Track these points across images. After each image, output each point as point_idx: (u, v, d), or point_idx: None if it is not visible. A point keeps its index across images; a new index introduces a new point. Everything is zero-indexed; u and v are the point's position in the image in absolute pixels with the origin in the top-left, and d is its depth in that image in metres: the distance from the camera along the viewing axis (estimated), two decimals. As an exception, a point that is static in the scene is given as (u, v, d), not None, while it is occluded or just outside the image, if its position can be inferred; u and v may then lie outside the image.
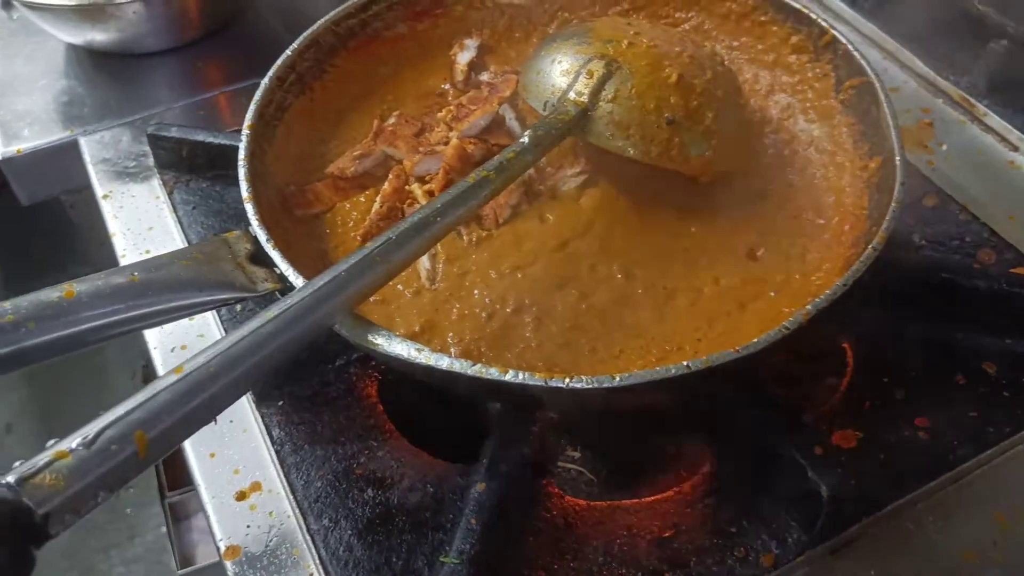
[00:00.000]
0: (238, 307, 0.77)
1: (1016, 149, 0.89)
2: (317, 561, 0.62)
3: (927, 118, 0.93)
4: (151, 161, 0.91)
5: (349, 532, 0.63)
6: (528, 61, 0.76)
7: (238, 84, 1.02)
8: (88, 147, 0.94)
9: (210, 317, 0.78)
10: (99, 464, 0.46)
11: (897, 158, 0.66)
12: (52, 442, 0.48)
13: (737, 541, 0.62)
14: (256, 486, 0.67)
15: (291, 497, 0.66)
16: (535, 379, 0.54)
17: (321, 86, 0.80)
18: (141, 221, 0.86)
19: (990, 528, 0.64)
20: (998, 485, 0.66)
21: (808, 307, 0.56)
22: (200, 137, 0.85)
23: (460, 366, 0.54)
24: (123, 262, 0.83)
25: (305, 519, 0.64)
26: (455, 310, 0.67)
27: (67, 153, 0.95)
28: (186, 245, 0.83)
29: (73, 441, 0.46)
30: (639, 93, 0.68)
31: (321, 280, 0.55)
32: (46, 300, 0.55)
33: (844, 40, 0.75)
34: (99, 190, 0.89)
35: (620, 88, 0.68)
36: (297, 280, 0.59)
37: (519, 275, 0.68)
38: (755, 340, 0.55)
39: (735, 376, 0.60)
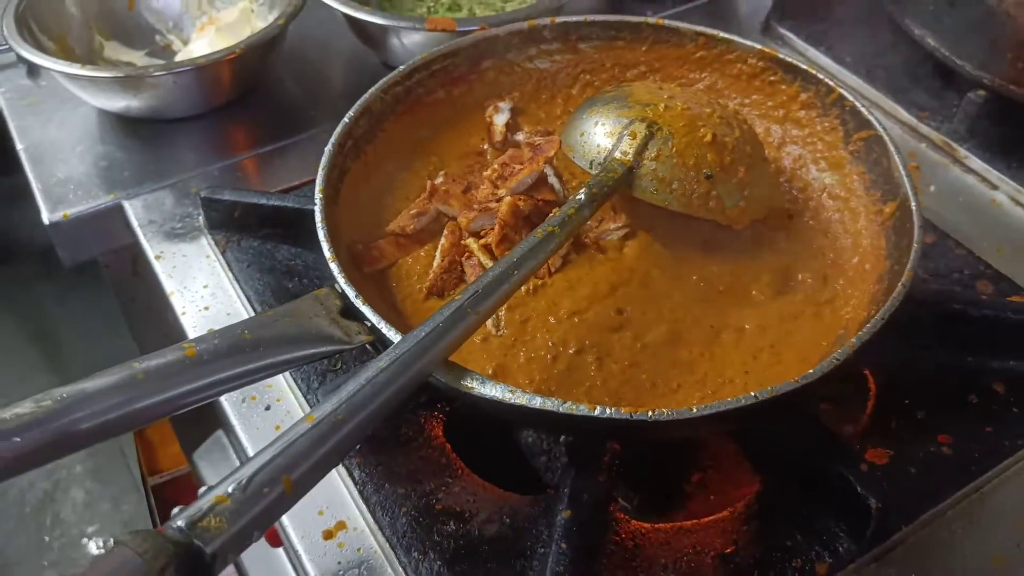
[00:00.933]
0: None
1: (996, 188, 0.98)
2: (410, 591, 0.67)
3: (913, 162, 1.02)
4: (197, 222, 0.96)
5: (439, 563, 0.68)
6: (570, 123, 0.83)
7: (267, 147, 1.07)
8: (133, 209, 0.98)
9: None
10: (254, 505, 0.51)
11: (912, 203, 0.73)
12: (204, 488, 0.52)
13: (793, 553, 0.68)
14: (341, 525, 0.72)
15: (378, 533, 0.70)
16: (621, 414, 0.60)
17: (373, 150, 0.85)
18: (196, 279, 0.90)
19: (1014, 532, 0.71)
20: (1016, 492, 0.73)
21: (854, 340, 0.63)
22: (253, 199, 0.90)
23: (552, 404, 0.60)
24: (183, 318, 0.87)
25: (395, 552, 0.69)
26: (521, 354, 0.73)
27: (111, 216, 0.99)
28: (243, 298, 0.88)
29: (229, 486, 0.51)
30: (679, 152, 0.76)
31: (423, 331, 0.61)
32: (170, 360, 0.59)
33: (851, 98, 0.83)
34: (150, 251, 0.93)
35: (662, 148, 0.76)
36: (389, 332, 0.65)
37: (576, 319, 0.74)
38: (811, 371, 0.61)
39: (792, 404, 0.66)
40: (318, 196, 0.75)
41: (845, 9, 1.15)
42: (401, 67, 0.88)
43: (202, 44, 1.14)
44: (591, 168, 0.78)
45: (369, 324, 0.67)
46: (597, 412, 0.60)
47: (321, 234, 0.72)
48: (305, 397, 0.79)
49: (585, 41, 0.95)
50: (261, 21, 1.14)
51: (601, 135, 0.79)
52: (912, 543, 0.70)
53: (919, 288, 0.84)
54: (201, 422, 1.15)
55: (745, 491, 0.74)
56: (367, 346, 0.68)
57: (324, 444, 0.55)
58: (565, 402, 0.60)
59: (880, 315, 0.65)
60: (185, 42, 1.19)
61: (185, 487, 1.74)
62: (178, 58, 1.16)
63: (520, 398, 0.61)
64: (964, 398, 0.78)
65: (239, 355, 0.62)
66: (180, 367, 0.60)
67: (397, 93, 0.88)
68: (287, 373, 0.81)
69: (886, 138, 0.79)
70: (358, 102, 0.84)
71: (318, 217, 0.74)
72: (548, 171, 0.84)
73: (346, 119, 0.82)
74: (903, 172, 0.76)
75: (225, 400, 0.80)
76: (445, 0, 1.19)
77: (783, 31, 1.18)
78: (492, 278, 0.64)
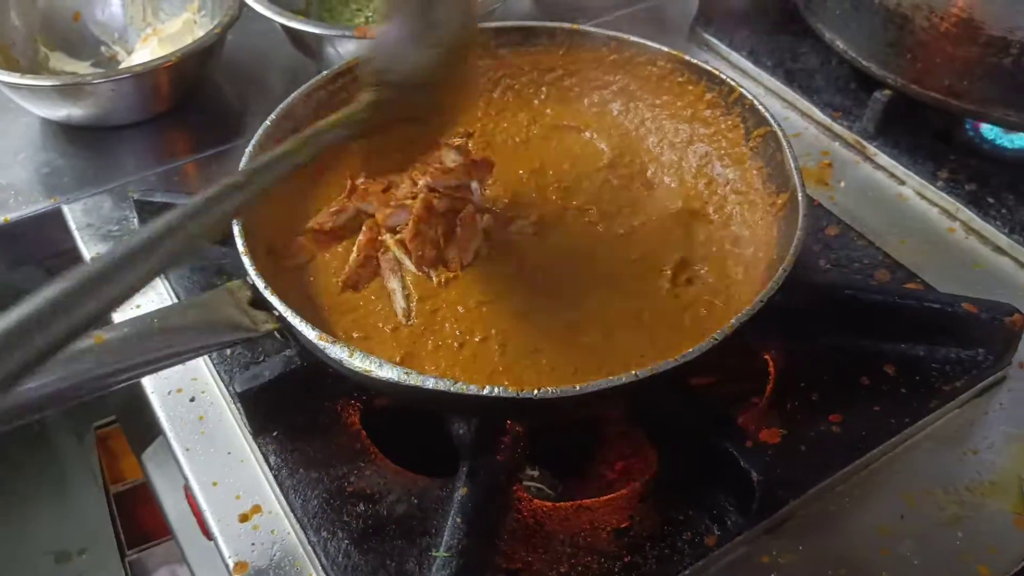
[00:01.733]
0: (227, 351, 0.85)
1: (903, 183, 1.03)
2: (319, 568, 0.70)
3: (827, 159, 1.06)
4: (133, 224, 0.99)
5: (346, 542, 0.71)
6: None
7: (205, 152, 1.11)
8: (72, 214, 1.01)
9: (203, 367, 0.85)
10: None
11: (800, 194, 0.77)
12: None
13: (684, 527, 0.72)
14: (257, 508, 0.75)
15: (291, 515, 0.74)
16: (508, 392, 0.63)
17: None
18: (129, 279, 0.93)
19: (898, 505, 0.75)
20: (903, 468, 0.77)
21: (733, 320, 0.67)
22: (182, 201, 0.93)
23: (444, 385, 0.63)
24: (115, 316, 0.90)
25: (305, 533, 0.72)
26: (430, 342, 0.76)
27: (51, 220, 1.02)
28: (173, 296, 0.91)
29: None
30: None
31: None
32: (79, 347, 0.63)
33: (750, 96, 0.87)
34: (86, 253, 0.97)
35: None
36: (294, 319, 0.68)
37: (484, 309, 0.78)
38: (691, 350, 0.65)
39: (676, 382, 0.70)
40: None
41: (765, 16, 1.20)
42: (325, 72, 0.92)
43: (144, 54, 1.17)
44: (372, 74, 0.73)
45: (276, 313, 0.70)
46: (486, 391, 0.63)
47: (236, 229, 0.75)
48: (227, 388, 0.82)
49: (505, 47, 0.98)
50: (203, 31, 1.17)
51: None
52: (802, 516, 0.74)
53: (817, 276, 0.89)
54: (152, 425, 1.18)
55: (648, 470, 0.78)
56: (276, 334, 0.72)
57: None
58: (456, 382, 0.63)
59: (760, 297, 0.68)
60: (130, 52, 1.22)
61: (147, 494, 1.76)
62: (121, 68, 1.19)
63: (415, 379, 0.64)
64: (857, 380, 0.81)
65: (148, 343, 0.65)
66: (88, 354, 0.63)
67: (320, 97, 0.91)
68: (211, 365, 0.84)
69: (779, 133, 0.83)
70: (281, 104, 0.87)
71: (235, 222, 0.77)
72: (475, 185, 0.88)
73: (268, 121, 0.85)
74: (793, 165, 0.80)
75: (152, 393, 0.84)
76: (382, 10, 1.23)
77: (708, 37, 1.23)
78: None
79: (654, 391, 0.69)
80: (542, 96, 0.99)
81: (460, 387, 0.63)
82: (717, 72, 0.90)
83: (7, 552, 2.15)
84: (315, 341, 0.67)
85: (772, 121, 0.84)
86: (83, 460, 2.24)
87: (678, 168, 0.92)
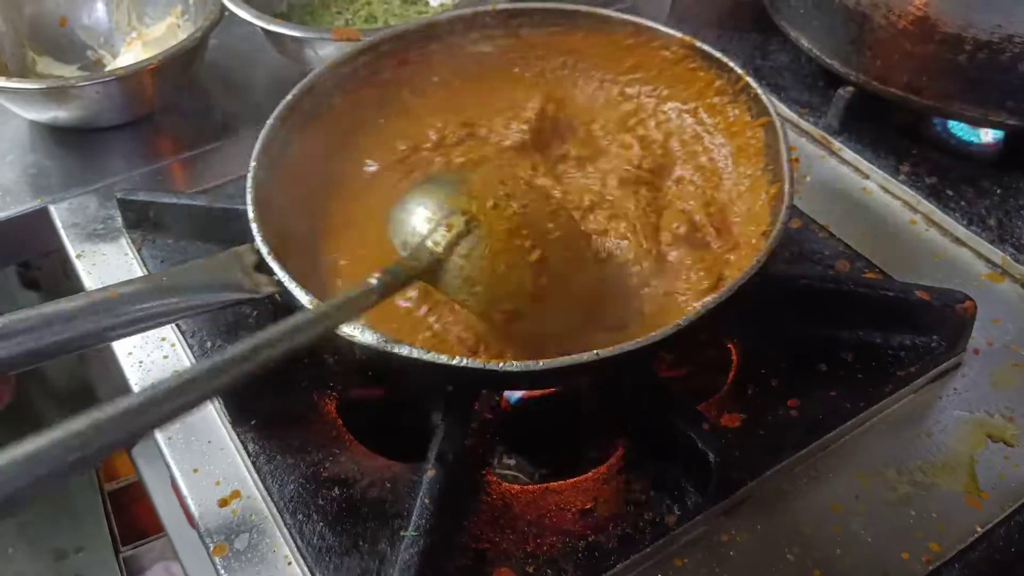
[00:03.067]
0: (208, 344, 0.88)
1: (867, 177, 1.06)
2: (295, 549, 0.73)
3: (794, 155, 1.09)
4: (117, 223, 1.02)
5: (321, 524, 0.74)
6: (399, 200, 0.79)
7: (189, 152, 1.14)
8: (58, 213, 1.04)
9: (186, 359, 0.88)
10: None
11: (786, 186, 0.79)
12: None
13: (646, 507, 0.75)
14: (236, 493, 0.78)
15: (268, 500, 0.76)
16: (475, 363, 0.66)
17: (316, 125, 0.92)
18: (113, 276, 0.96)
19: (853, 485, 0.78)
20: (857, 450, 0.80)
21: (699, 306, 0.68)
22: (165, 199, 0.97)
23: (417, 353, 0.66)
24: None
25: (282, 516, 0.75)
26: (427, 324, 0.79)
27: (38, 220, 1.05)
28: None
29: None
30: (491, 255, 0.72)
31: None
32: (97, 299, 0.68)
33: (754, 85, 0.89)
34: (72, 251, 1.00)
35: (475, 247, 0.72)
36: (290, 282, 0.71)
37: None
38: (653, 333, 0.67)
39: (640, 365, 0.72)
40: (252, 163, 0.82)
41: (735, 14, 1.23)
42: (348, 49, 0.96)
43: (129, 58, 1.20)
44: (403, 249, 0.74)
45: (275, 277, 0.74)
46: (455, 362, 0.66)
47: (249, 196, 0.78)
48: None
49: (526, 27, 1.01)
50: (186, 35, 1.20)
51: (420, 218, 0.75)
52: (759, 496, 0.77)
53: (778, 267, 0.91)
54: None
55: (613, 455, 0.81)
56: (276, 297, 0.77)
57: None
58: (428, 352, 0.66)
59: (728, 289, 0.70)
60: (115, 56, 1.25)
61: (141, 492, 1.79)
62: (105, 71, 1.22)
63: (391, 347, 0.67)
64: (815, 367, 0.84)
65: (158, 297, 0.71)
66: (106, 305, 0.68)
67: (344, 72, 0.95)
68: (194, 359, 0.87)
69: (777, 123, 0.85)
70: (304, 80, 0.91)
71: (249, 182, 0.80)
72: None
73: (290, 95, 0.89)
74: (784, 158, 0.82)
75: (135, 385, 0.86)
76: (362, 13, 1.26)
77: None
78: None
79: (618, 372, 0.71)
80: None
81: (431, 356, 0.66)
82: (726, 60, 0.91)
83: (5, 551, 2.17)
84: (307, 305, 0.70)
85: (772, 111, 0.85)
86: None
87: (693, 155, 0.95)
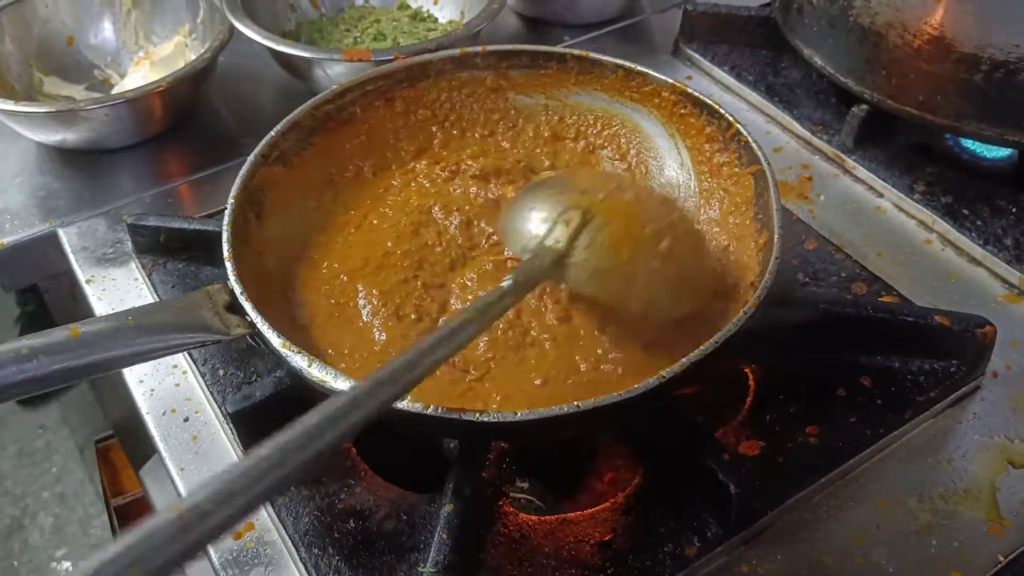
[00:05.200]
0: (220, 372, 0.87)
1: (881, 196, 1.05)
2: (311, 584, 0.73)
3: (807, 173, 1.09)
4: (127, 247, 1.01)
5: (337, 557, 0.73)
6: (508, 209, 0.83)
7: (199, 174, 1.13)
8: (67, 237, 1.04)
9: (197, 387, 0.88)
10: None
11: (776, 236, 0.77)
12: None
13: (666, 538, 0.74)
14: (250, 526, 0.77)
15: (283, 532, 0.76)
16: (449, 413, 0.65)
17: (301, 162, 0.92)
18: (124, 301, 0.95)
19: (873, 514, 0.77)
20: (877, 477, 0.79)
21: (684, 360, 0.66)
22: (176, 224, 0.96)
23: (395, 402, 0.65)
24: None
25: (297, 550, 0.74)
26: None
27: (47, 243, 1.04)
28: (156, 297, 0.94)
29: None
30: (613, 243, 0.74)
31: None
32: (55, 339, 0.66)
33: (745, 133, 0.87)
34: (81, 276, 0.99)
35: (595, 237, 0.74)
36: (263, 325, 0.71)
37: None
38: (633, 387, 0.65)
39: (653, 401, 0.71)
40: (230, 201, 0.81)
41: (747, 32, 1.22)
42: (334, 87, 0.95)
43: (137, 78, 1.20)
44: (523, 255, 0.76)
45: (248, 319, 0.73)
46: (430, 411, 0.65)
47: (225, 234, 0.78)
48: (220, 408, 0.84)
49: (516, 69, 1.00)
50: (194, 55, 1.20)
51: (535, 221, 0.77)
52: (780, 526, 0.76)
53: (795, 291, 0.91)
54: (148, 443, 1.20)
55: (631, 485, 0.80)
56: (249, 339, 0.75)
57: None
58: (406, 399, 0.65)
59: (713, 340, 0.68)
60: (123, 76, 1.24)
61: (147, 507, 1.78)
62: (114, 92, 1.21)
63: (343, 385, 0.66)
64: (834, 392, 0.83)
65: (121, 339, 0.68)
66: (64, 346, 0.66)
67: (328, 111, 0.94)
68: (204, 386, 0.86)
69: (767, 171, 0.83)
70: (287, 117, 0.90)
71: (226, 219, 0.79)
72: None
73: (273, 131, 0.89)
74: (775, 205, 0.80)
75: (147, 414, 0.86)
76: (371, 31, 1.26)
77: (691, 52, 1.25)
78: (400, 364, 0.60)
79: (625, 412, 0.70)
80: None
81: (406, 405, 0.65)
82: (717, 107, 0.90)
83: (14, 568, 2.17)
84: (279, 348, 0.69)
85: (762, 159, 0.84)
86: (85, 474, 2.27)
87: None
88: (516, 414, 0.65)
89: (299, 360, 0.69)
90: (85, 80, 1.24)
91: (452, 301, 0.83)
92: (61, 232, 1.04)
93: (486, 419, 0.65)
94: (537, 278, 0.72)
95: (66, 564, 2.21)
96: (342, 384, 0.67)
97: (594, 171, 0.96)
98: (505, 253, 0.84)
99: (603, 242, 0.74)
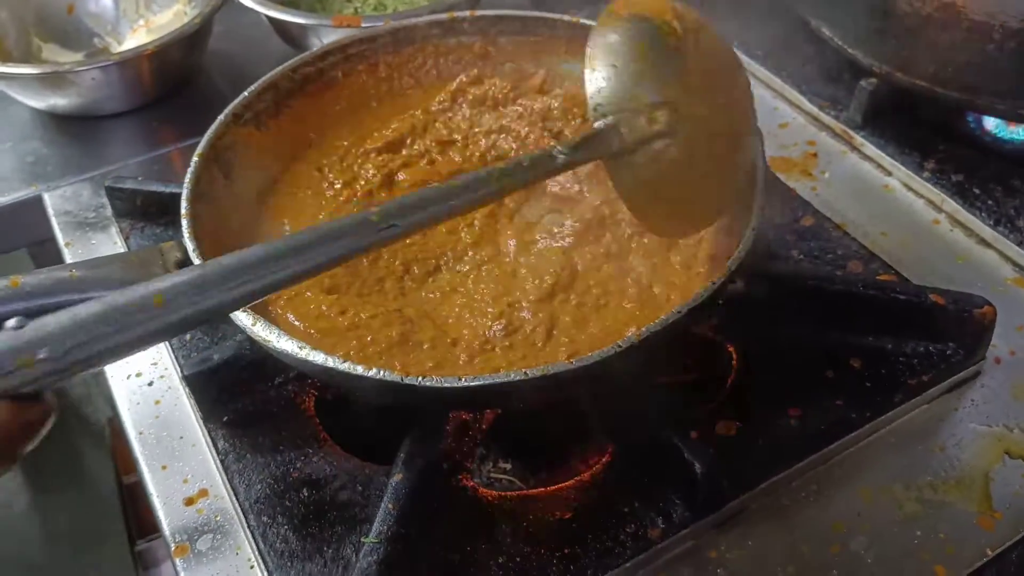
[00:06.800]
0: (188, 336, 0.85)
1: (889, 174, 1.00)
2: (256, 554, 0.70)
3: (812, 149, 1.04)
4: (109, 212, 1.00)
5: (286, 527, 0.71)
6: (610, 22, 0.70)
7: (189, 141, 1.11)
8: (51, 201, 1.02)
9: (164, 351, 0.86)
10: None
11: (756, 205, 0.73)
12: None
13: (629, 519, 0.70)
14: (203, 492, 0.75)
15: (234, 499, 0.73)
16: (392, 376, 0.62)
17: (277, 125, 0.90)
18: (99, 265, 0.94)
19: (856, 502, 0.72)
20: (862, 464, 0.75)
21: (644, 330, 0.63)
22: (152, 187, 0.94)
23: (332, 362, 0.62)
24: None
25: (246, 517, 0.72)
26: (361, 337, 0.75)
27: (32, 208, 1.03)
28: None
29: None
30: (678, 167, 0.68)
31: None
32: None
33: None
34: (62, 239, 0.98)
35: (667, 151, 0.67)
36: None
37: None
38: (585, 356, 0.62)
39: (576, 384, 0.67)
40: (195, 159, 0.79)
41: (755, 4, 1.17)
42: (314, 48, 0.93)
43: (133, 45, 1.18)
44: (591, 104, 0.67)
45: None
46: (371, 373, 0.62)
47: (185, 191, 0.76)
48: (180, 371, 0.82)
49: (505, 35, 0.97)
50: (193, 23, 1.18)
51: (630, 84, 0.67)
52: (754, 511, 0.72)
53: (782, 266, 0.86)
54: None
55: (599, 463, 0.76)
56: None
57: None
58: (344, 361, 0.63)
59: (677, 308, 0.64)
60: (121, 44, 1.23)
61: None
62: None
63: (306, 354, 0.63)
64: (821, 373, 0.79)
65: (61, 292, 0.65)
66: (3, 297, 0.63)
67: (308, 73, 0.92)
68: (170, 350, 0.84)
69: (756, 140, 0.79)
70: (265, 76, 0.89)
71: (188, 176, 0.77)
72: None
73: (246, 92, 0.87)
74: (760, 174, 0.75)
75: (111, 377, 0.84)
76: (372, 1, 1.23)
77: (699, 26, 1.20)
78: (418, 197, 0.61)
79: (581, 382, 0.66)
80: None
81: (346, 367, 0.62)
82: None
83: (28, 540, 2.18)
84: None
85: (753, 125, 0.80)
86: (99, 451, 2.28)
87: None
88: (460, 379, 0.61)
89: (244, 319, 0.66)
90: (84, 48, 1.23)
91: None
92: (46, 196, 1.03)
93: (429, 384, 0.61)
94: (590, 157, 0.66)
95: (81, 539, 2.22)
96: (286, 344, 0.64)
97: (717, 56, 0.77)
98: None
99: (671, 161, 0.67)
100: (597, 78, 0.67)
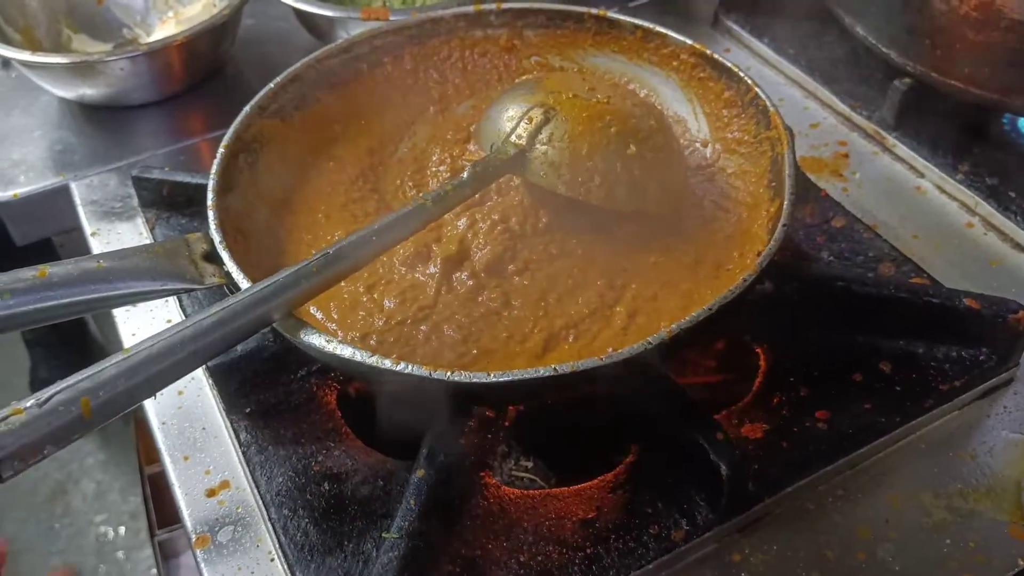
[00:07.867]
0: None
1: (922, 175, 0.98)
2: (277, 546, 0.70)
3: (843, 150, 1.02)
4: (135, 202, 1.00)
5: (306, 520, 0.70)
6: (485, 112, 0.84)
7: (217, 132, 1.11)
8: (78, 190, 1.03)
9: (175, 311, 0.86)
10: (48, 422, 0.54)
11: (786, 203, 0.72)
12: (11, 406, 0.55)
13: (652, 520, 0.69)
14: (225, 484, 0.75)
15: (256, 492, 0.73)
16: (421, 370, 0.62)
17: (302, 117, 0.90)
18: (125, 255, 0.94)
19: (884, 508, 0.71)
20: (890, 470, 0.74)
21: (674, 326, 0.63)
22: (179, 178, 0.94)
23: (360, 356, 0.62)
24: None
25: (267, 510, 0.71)
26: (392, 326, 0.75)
27: (59, 197, 1.04)
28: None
29: (28, 402, 0.54)
30: (572, 137, 0.75)
31: (261, 284, 0.63)
32: (23, 277, 0.64)
33: (763, 96, 0.83)
34: (88, 228, 0.98)
35: (555, 132, 0.76)
36: (239, 276, 0.68)
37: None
38: (619, 351, 0.62)
39: (606, 381, 0.66)
40: (221, 149, 0.79)
41: (789, 3, 1.16)
42: (339, 40, 0.93)
43: (162, 36, 1.18)
44: (490, 151, 0.77)
45: (226, 269, 0.70)
46: (400, 368, 0.62)
47: (211, 182, 0.76)
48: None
49: (531, 28, 0.97)
50: (221, 14, 1.18)
51: (503, 120, 0.79)
52: (779, 514, 0.71)
53: (812, 268, 0.85)
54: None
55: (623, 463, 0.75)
56: (226, 290, 0.72)
57: (133, 376, 0.57)
58: (372, 355, 0.62)
59: (711, 304, 0.64)
60: (150, 35, 1.23)
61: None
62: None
63: (334, 347, 0.63)
64: (850, 376, 0.78)
65: (89, 282, 0.65)
66: (30, 286, 0.63)
67: (332, 65, 0.91)
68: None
69: (786, 139, 0.78)
70: (289, 68, 0.89)
71: (214, 168, 0.77)
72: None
73: (272, 83, 0.87)
74: (788, 171, 0.75)
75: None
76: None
77: (730, 24, 1.19)
78: (347, 242, 0.67)
79: (608, 379, 0.65)
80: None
81: (375, 360, 0.62)
82: (736, 69, 0.86)
83: (55, 530, 2.20)
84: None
85: (780, 124, 0.79)
86: (126, 442, 2.29)
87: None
88: (488, 375, 0.61)
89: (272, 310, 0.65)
90: (113, 39, 1.24)
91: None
92: (73, 185, 1.04)
93: (458, 379, 0.61)
94: (494, 170, 0.75)
95: (104, 528, 2.23)
96: (312, 337, 0.64)
97: (567, 73, 0.94)
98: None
99: (563, 137, 0.75)
100: (481, 138, 0.81)
